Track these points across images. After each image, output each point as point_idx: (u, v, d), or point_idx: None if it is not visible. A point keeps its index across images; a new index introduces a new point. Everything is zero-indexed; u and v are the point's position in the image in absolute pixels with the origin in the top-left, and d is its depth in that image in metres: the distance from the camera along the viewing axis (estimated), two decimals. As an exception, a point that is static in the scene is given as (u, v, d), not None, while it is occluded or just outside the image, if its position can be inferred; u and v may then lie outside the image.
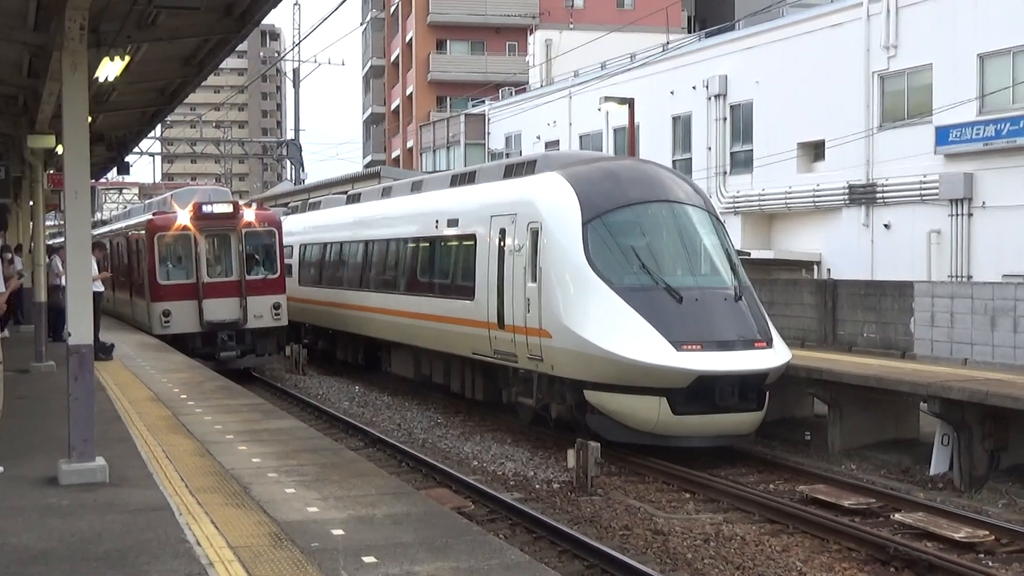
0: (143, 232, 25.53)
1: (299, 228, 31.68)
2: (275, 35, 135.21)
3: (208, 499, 9.32)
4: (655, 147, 36.06)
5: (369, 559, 7.41)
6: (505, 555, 7.60)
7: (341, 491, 9.56)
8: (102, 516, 8.69)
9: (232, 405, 15.02)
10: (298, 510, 8.87)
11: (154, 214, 26.21)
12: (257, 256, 25.43)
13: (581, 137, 42.39)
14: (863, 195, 29.38)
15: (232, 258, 24.72)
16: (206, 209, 24.53)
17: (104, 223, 44.30)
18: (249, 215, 25.03)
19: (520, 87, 54.02)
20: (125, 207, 55.29)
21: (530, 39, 57.43)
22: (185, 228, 24.25)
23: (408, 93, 71.44)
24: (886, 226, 28.82)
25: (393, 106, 76.61)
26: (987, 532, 12.76)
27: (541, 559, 10.98)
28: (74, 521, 8.54)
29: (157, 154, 47.03)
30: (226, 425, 13.34)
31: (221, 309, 24.21)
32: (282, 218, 32.87)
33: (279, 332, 25.84)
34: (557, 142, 43.39)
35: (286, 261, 30.91)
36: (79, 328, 9.90)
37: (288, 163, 64.45)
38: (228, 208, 25.00)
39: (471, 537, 8.08)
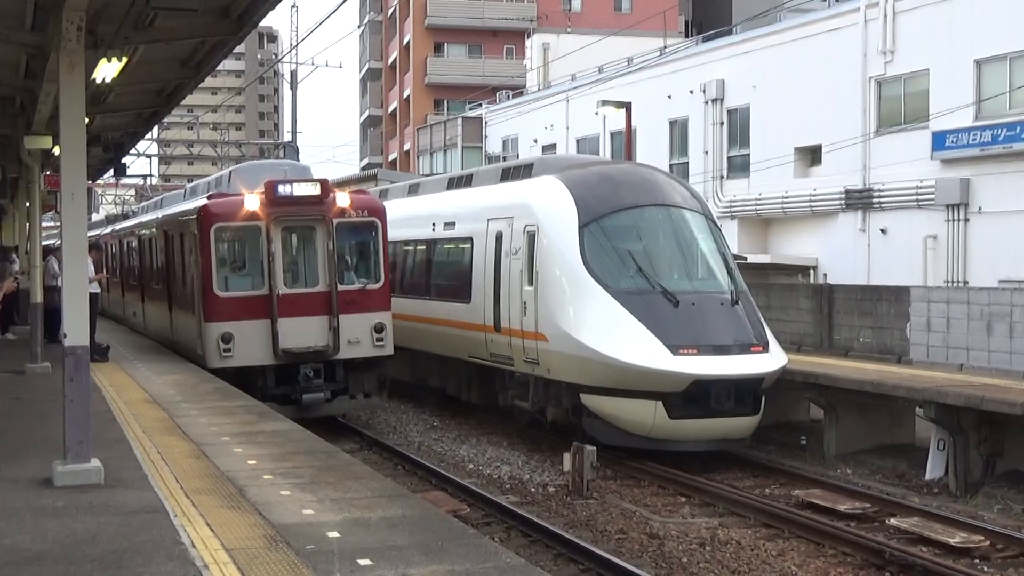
0: (192, 223, 18.56)
1: None
2: (273, 37, 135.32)
3: (203, 501, 9.30)
4: (652, 151, 36.15)
5: (364, 562, 7.37)
6: (500, 558, 7.57)
7: (336, 493, 9.54)
8: (97, 518, 8.63)
9: (227, 407, 14.96)
10: (293, 512, 8.84)
11: (209, 197, 18.92)
12: (352, 257, 18.85)
13: (578, 141, 42.45)
14: (860, 200, 29.46)
15: (319, 260, 17.89)
16: (283, 191, 17.60)
17: (122, 217, 37.57)
18: (343, 199, 18.07)
19: (517, 90, 54.17)
20: (149, 197, 50.00)
21: (527, 43, 57.55)
22: (254, 216, 17.46)
23: (405, 96, 71.52)
24: (882, 231, 28.88)
25: (390, 109, 76.68)
26: (982, 537, 12.83)
27: (536, 562, 11.01)
28: (69, 523, 8.48)
29: (153, 155, 46.77)
30: (221, 427, 13.29)
31: (303, 332, 17.48)
32: None
33: (381, 365, 18.68)
34: (554, 146, 43.48)
35: None
36: (75, 329, 9.89)
37: (285, 165, 64.37)
38: (314, 189, 17.84)
39: (466, 540, 8.04)
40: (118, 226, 32.56)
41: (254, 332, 17.30)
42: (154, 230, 23.84)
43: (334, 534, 8.06)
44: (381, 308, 18.11)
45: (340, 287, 17.71)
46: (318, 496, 9.34)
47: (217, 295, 17.53)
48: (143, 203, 34.62)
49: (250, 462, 10.95)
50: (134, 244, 27.27)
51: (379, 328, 17.88)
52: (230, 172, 20.87)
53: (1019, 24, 25.25)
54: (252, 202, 17.47)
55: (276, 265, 17.42)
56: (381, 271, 18.29)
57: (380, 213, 18.50)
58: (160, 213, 24.63)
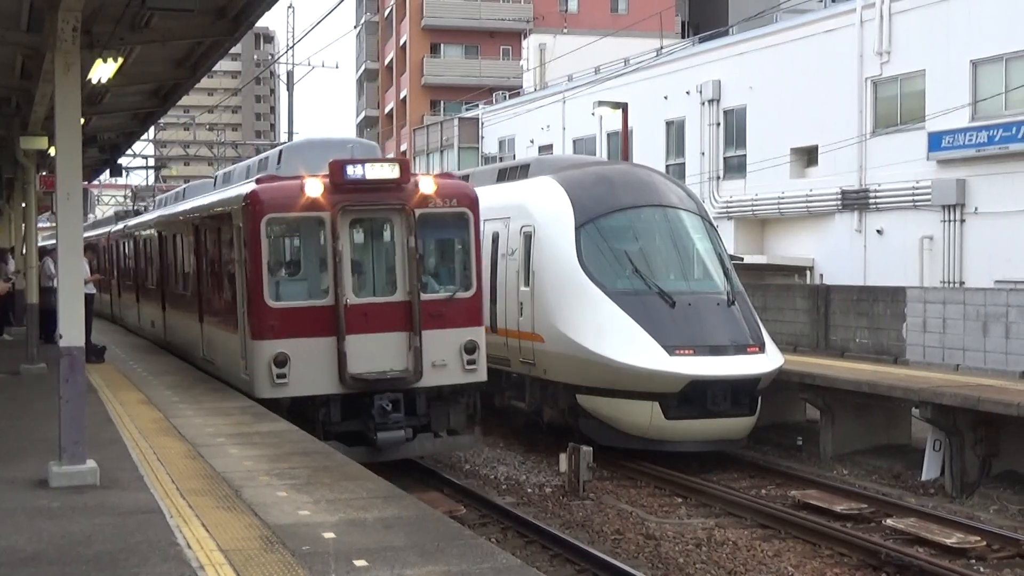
0: (236, 215, 14.98)
1: None
2: (269, 38, 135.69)
3: (199, 502, 9.31)
4: (648, 152, 36.24)
5: (360, 563, 7.38)
6: (497, 559, 7.60)
7: (332, 494, 9.54)
8: (92, 519, 8.65)
9: (223, 408, 14.86)
10: (289, 513, 8.85)
11: (258, 181, 15.11)
12: (438, 258, 15.79)
13: (575, 141, 42.54)
14: (856, 201, 29.52)
15: (397, 261, 14.53)
16: (353, 173, 14.20)
17: (134, 213, 34.46)
18: (427, 184, 14.67)
19: (514, 91, 54.30)
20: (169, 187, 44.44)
21: (524, 43, 57.66)
22: (316, 205, 14.04)
23: (402, 96, 71.70)
24: (879, 232, 28.92)
25: (387, 109, 76.83)
26: (978, 538, 12.90)
27: (533, 563, 11.04)
28: (64, 524, 8.50)
29: (150, 156, 46.73)
30: (217, 428, 13.19)
31: (377, 353, 14.18)
32: None
33: (471, 394, 15.21)
34: (551, 146, 43.59)
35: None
36: (70, 330, 9.89)
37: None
38: (392, 171, 14.46)
39: (462, 541, 8.07)
40: (132, 222, 28.88)
41: (315, 353, 13.87)
42: (181, 225, 20.06)
43: (330, 535, 8.07)
44: (473, 322, 14.66)
45: (423, 296, 14.30)
46: (314, 497, 9.34)
47: (269, 305, 14.02)
48: (159, 196, 30.73)
49: (246, 463, 10.93)
50: (152, 242, 23.74)
51: (471, 348, 14.43)
52: (280, 151, 16.67)
53: (1015, 25, 25.32)
54: (314, 187, 13.96)
55: (344, 267, 13.99)
56: (473, 276, 14.85)
57: (472, 202, 14.98)
58: (187, 205, 20.78)
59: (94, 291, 21.13)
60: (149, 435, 12.66)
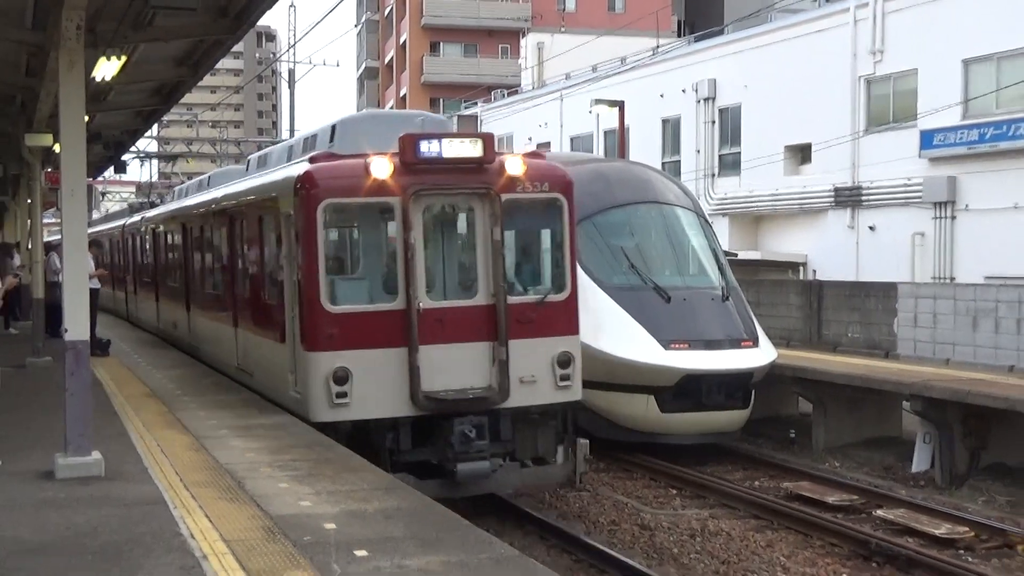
0: (284, 201, 12.51)
1: None
2: (271, 36, 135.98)
3: (202, 493, 9.31)
4: (645, 149, 36.33)
5: (361, 552, 7.43)
6: (495, 549, 7.63)
7: (334, 486, 9.51)
8: (98, 510, 8.68)
9: (226, 400, 14.81)
10: (291, 504, 8.84)
11: (312, 159, 12.34)
12: (525, 253, 13.41)
13: (572, 139, 42.72)
14: (848, 198, 29.68)
15: (478, 257, 12.07)
16: (428, 149, 11.71)
17: (149, 205, 31.43)
18: (514, 165, 12.04)
19: (512, 89, 54.41)
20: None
21: (522, 42, 57.89)
22: (384, 189, 11.57)
23: (402, 95, 72.10)
24: (871, 228, 29.10)
25: (387, 107, 77.12)
26: (967, 528, 12.99)
27: (530, 553, 11.04)
28: (70, 515, 8.53)
29: (154, 155, 46.66)
30: (221, 420, 13.11)
31: (455, 368, 11.79)
32: None
33: (562, 417, 12.70)
34: (548, 144, 43.65)
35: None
36: (76, 324, 9.93)
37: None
38: (475, 148, 11.93)
39: (461, 532, 8.07)
40: (149, 214, 26.25)
41: (382, 367, 11.46)
42: (210, 215, 17.36)
43: (331, 525, 8.09)
44: (567, 330, 12.24)
45: (509, 299, 11.87)
46: (315, 488, 9.33)
47: (327, 310, 11.51)
48: (178, 187, 28.18)
49: (248, 455, 10.91)
50: (174, 235, 21.49)
51: (564, 361, 12.05)
52: (333, 125, 13.78)
53: (1006, 24, 25.43)
54: (381, 167, 11.39)
55: (416, 264, 11.53)
56: (567, 275, 12.39)
57: (567, 186, 12.44)
58: (216, 193, 17.86)
59: (99, 286, 20.97)
60: (153, 427, 12.64)
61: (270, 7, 12.54)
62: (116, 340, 21.94)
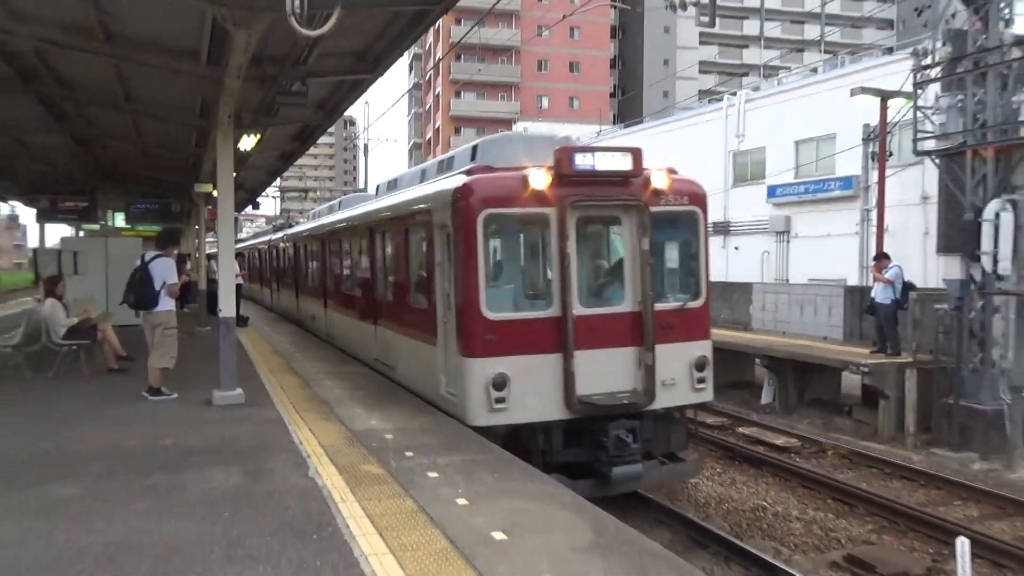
0: (441, 212, 10.56)
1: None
2: (352, 122, 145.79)
3: (307, 415, 9.86)
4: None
5: (409, 454, 8.04)
6: (495, 452, 8.22)
7: (391, 412, 10.04)
8: (240, 425, 9.27)
9: (323, 355, 15.49)
10: (364, 423, 9.42)
11: (468, 172, 10.52)
12: (666, 262, 11.31)
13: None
14: (722, 229, 34.45)
15: (626, 266, 10.53)
16: (583, 162, 10.22)
17: (287, 225, 31.07)
18: (659, 179, 10.63)
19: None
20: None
21: (512, 128, 63.68)
22: (541, 200, 10.04)
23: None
24: (736, 248, 33.93)
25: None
26: (797, 440, 15.10)
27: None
28: (221, 428, 9.16)
29: (289, 190, 50.35)
30: (319, 368, 13.77)
31: (606, 373, 10.24)
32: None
33: (688, 417, 11.04)
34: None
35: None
36: (226, 306, 10.80)
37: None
38: (626, 162, 10.47)
39: (475, 442, 8.61)
40: (291, 231, 25.20)
41: (539, 373, 9.79)
42: (350, 230, 15.69)
43: (389, 436, 8.79)
44: (703, 335, 10.77)
45: (657, 306, 10.33)
46: (380, 413, 9.97)
47: (487, 317, 9.70)
48: (311, 211, 26.79)
49: (336, 391, 11.59)
50: (313, 247, 19.90)
51: (701, 364, 10.62)
52: (474, 146, 11.82)
53: (820, 119, 29.61)
54: (539, 179, 9.89)
55: (571, 272, 9.91)
56: (703, 283, 10.86)
57: (702, 200, 10.92)
58: (355, 211, 16.16)
59: (242, 282, 22.46)
60: (276, 372, 13.43)
61: (352, 104, 13.41)
62: (256, 320, 23.49)
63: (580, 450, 9.98)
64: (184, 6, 8.28)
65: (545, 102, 77.35)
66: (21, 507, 6.61)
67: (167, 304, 11.06)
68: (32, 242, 56.05)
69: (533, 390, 9.69)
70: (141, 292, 10.92)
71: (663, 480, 11.27)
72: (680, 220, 10.76)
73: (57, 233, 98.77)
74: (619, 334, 10.19)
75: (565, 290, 9.81)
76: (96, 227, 26.47)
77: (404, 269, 12.23)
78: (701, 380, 10.61)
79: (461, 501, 6.69)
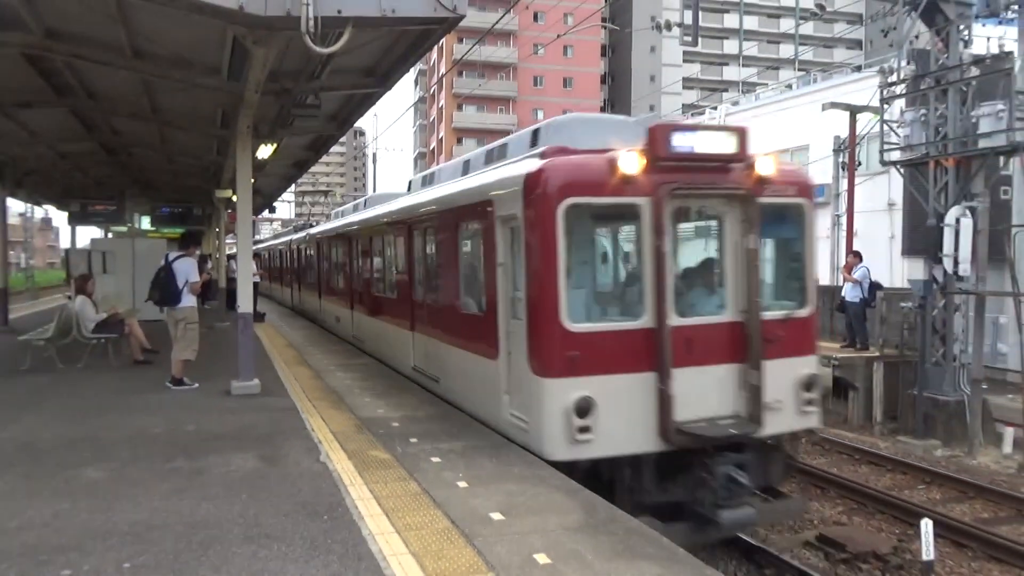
0: (504, 202, 8.16)
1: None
2: (361, 132, 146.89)
3: (319, 404, 9.82)
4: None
5: (413, 440, 8.03)
6: (494, 438, 8.09)
7: (397, 400, 9.99)
8: (257, 413, 9.24)
9: (334, 349, 15.40)
10: (372, 411, 9.36)
11: (543, 155, 7.96)
12: (771, 264, 8.84)
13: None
14: None
15: (726, 267, 8.12)
16: (681, 143, 7.71)
17: (307, 225, 29.23)
18: (765, 165, 8.05)
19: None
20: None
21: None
22: (633, 188, 7.56)
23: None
24: None
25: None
26: None
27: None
28: (240, 416, 9.13)
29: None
30: (331, 360, 13.77)
31: (705, 395, 7.85)
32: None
33: (789, 443, 8.57)
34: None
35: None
36: (244, 302, 10.83)
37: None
38: (731, 143, 7.90)
39: (475, 428, 8.55)
40: (314, 231, 22.64)
41: (629, 395, 7.58)
42: (384, 227, 13.29)
43: (396, 424, 8.74)
44: (809, 350, 8.44)
45: (765, 315, 8.07)
46: (387, 402, 9.94)
47: (568, 329, 7.46)
48: (335, 210, 24.29)
49: (346, 381, 11.58)
50: (338, 247, 17.71)
51: (809, 383, 8.30)
52: (535, 129, 9.24)
53: (795, 132, 28.73)
54: (630, 162, 7.60)
55: (666, 274, 7.70)
56: (809, 288, 8.51)
57: (810, 191, 8.58)
58: (389, 207, 13.65)
59: (259, 280, 22.58)
60: (290, 364, 13.36)
61: (362, 115, 13.28)
62: (272, 316, 23.00)
63: (677, 488, 7.73)
64: (207, 26, 8.25)
65: (541, 115, 77.83)
66: (52, 489, 6.59)
67: (189, 300, 11.02)
68: (64, 243, 55.96)
69: (622, 416, 7.47)
70: (165, 289, 10.92)
71: (772, 521, 9.37)
72: (786, 214, 8.35)
73: (87, 235, 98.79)
74: (719, 349, 7.90)
75: (660, 296, 7.58)
76: (123, 229, 26.50)
77: (452, 270, 9.83)
78: (809, 402, 8.24)
79: (462, 484, 6.67)
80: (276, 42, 8.17)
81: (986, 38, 18.34)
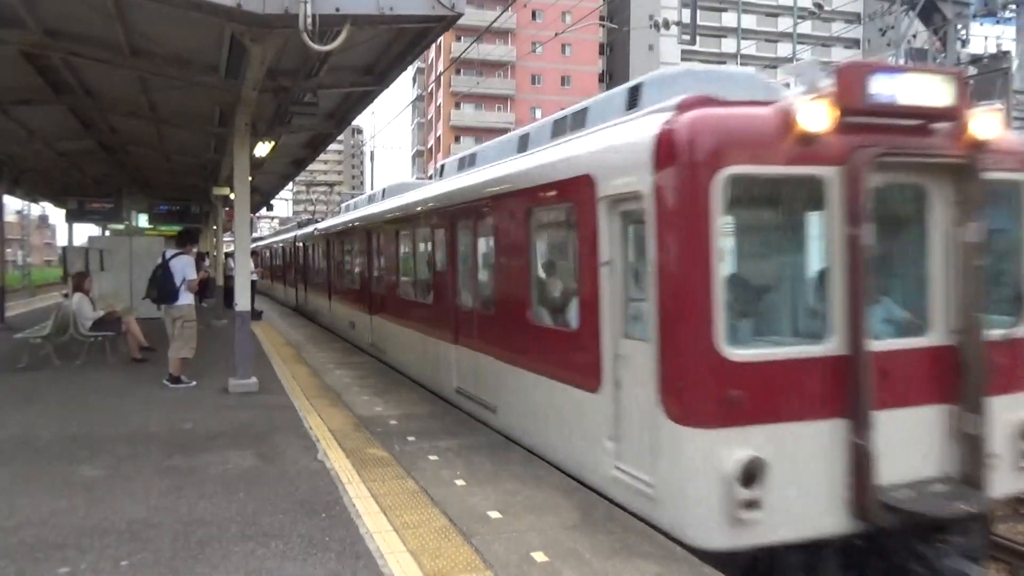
0: (617, 180, 5.79)
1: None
2: (359, 130, 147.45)
3: (317, 402, 9.85)
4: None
5: (411, 438, 8.05)
6: (490, 436, 8.18)
7: (396, 399, 10.01)
8: (254, 411, 9.25)
9: (332, 346, 15.43)
10: (370, 409, 9.39)
11: (681, 107, 5.30)
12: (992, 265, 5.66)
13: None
14: None
15: (932, 269, 5.61)
16: (882, 91, 5.05)
17: (312, 221, 27.58)
18: (988, 125, 5.37)
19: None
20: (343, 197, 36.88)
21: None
22: (813, 153, 5.05)
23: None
24: None
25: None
26: None
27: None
28: (237, 414, 9.14)
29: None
30: (328, 358, 13.82)
31: (908, 449, 5.30)
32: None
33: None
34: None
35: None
36: (242, 300, 10.80)
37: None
38: (946, 93, 5.23)
39: (471, 426, 8.65)
40: (322, 225, 20.90)
41: (808, 452, 5.24)
42: (416, 218, 11.29)
43: (394, 422, 8.75)
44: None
45: (989, 332, 5.73)
46: (385, 400, 9.96)
47: (726, 357, 5.13)
48: (346, 202, 22.56)
49: (344, 379, 11.60)
50: (353, 243, 15.98)
51: None
52: (633, 86, 6.85)
53: None
54: (814, 116, 5.20)
55: (867, 279, 5.33)
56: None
57: None
58: (424, 193, 11.52)
59: (257, 278, 22.49)
60: (287, 362, 13.39)
61: (360, 114, 13.27)
62: (272, 315, 23.06)
63: None
64: (205, 24, 8.26)
65: (539, 113, 77.75)
66: (49, 487, 6.59)
67: (187, 298, 11.03)
68: (61, 241, 55.89)
69: (803, 484, 5.26)
70: (163, 287, 10.92)
71: None
72: (1005, 196, 5.97)
73: (85, 232, 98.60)
74: (922, 384, 5.61)
75: (856, 310, 5.28)
76: (121, 227, 26.45)
77: (519, 269, 7.71)
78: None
79: (459, 483, 6.68)
80: (274, 40, 8.21)
81: (984, 37, 18.38)
